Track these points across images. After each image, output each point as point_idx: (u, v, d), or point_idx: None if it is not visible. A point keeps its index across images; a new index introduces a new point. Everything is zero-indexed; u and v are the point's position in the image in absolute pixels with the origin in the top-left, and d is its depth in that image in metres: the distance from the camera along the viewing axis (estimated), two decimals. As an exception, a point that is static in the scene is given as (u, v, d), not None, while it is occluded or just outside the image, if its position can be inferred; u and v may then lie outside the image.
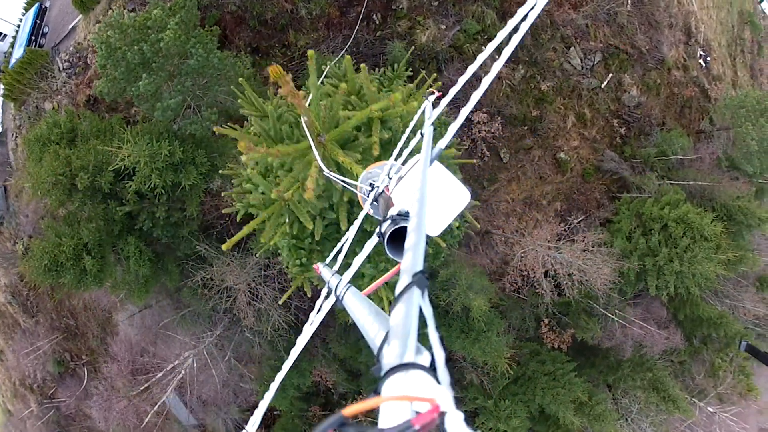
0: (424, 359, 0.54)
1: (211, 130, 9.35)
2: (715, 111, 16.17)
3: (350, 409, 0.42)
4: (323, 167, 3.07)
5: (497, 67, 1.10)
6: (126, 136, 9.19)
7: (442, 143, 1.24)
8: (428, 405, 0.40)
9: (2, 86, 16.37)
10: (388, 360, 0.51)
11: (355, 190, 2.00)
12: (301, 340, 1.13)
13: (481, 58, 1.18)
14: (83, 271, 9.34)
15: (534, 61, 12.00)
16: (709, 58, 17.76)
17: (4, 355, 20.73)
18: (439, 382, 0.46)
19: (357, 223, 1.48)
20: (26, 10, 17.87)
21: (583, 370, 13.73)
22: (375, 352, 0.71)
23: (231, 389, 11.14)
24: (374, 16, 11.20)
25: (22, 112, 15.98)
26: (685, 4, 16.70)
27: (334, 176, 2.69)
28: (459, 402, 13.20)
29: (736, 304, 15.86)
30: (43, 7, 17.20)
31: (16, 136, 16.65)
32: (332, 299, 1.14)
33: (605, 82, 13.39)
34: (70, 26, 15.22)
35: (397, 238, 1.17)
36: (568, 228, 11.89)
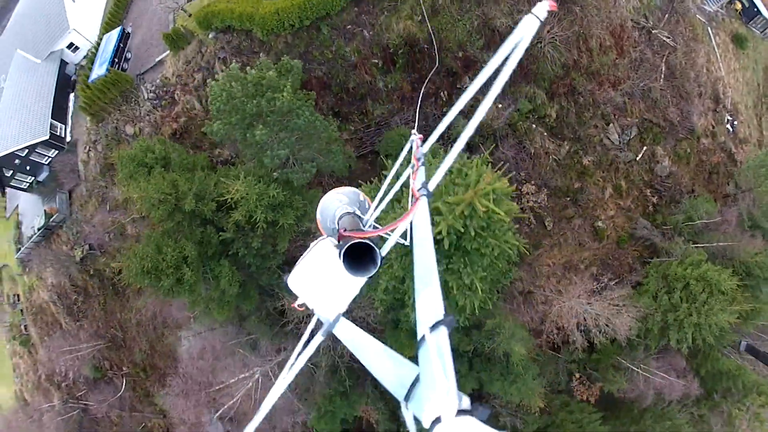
0: (464, 403, 0.58)
1: (308, 180, 11.70)
2: (739, 174, 18.03)
3: None
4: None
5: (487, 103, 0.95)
6: (236, 173, 11.24)
7: (433, 182, 1.21)
8: None
9: (80, 99, 18.73)
10: (431, 412, 0.57)
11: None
12: (292, 372, 1.13)
13: (462, 102, 1.03)
14: (179, 281, 11.13)
15: (578, 137, 14.46)
16: (735, 122, 19.93)
17: (35, 349, 22.44)
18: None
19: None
20: (106, 30, 20.66)
21: (608, 421, 15.45)
22: (397, 394, 0.75)
23: (285, 411, 12.96)
24: (441, 93, 13.79)
25: (100, 128, 18.54)
26: (714, 71, 18.97)
27: None
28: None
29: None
30: (126, 32, 20.05)
31: (90, 150, 19.17)
32: (324, 332, 1.16)
33: (640, 155, 15.74)
34: (157, 59, 17.93)
35: (355, 253, 1.20)
36: (600, 286, 14.00)
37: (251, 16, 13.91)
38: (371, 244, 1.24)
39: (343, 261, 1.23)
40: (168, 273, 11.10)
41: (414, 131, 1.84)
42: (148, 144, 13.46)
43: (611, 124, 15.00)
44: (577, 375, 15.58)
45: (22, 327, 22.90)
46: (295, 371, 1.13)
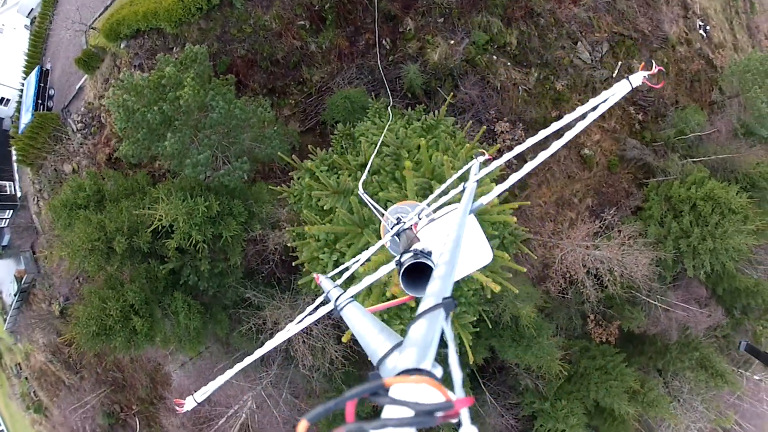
0: (437, 372, 0.54)
1: (243, 179, 9.43)
2: (723, 80, 16.13)
3: (392, 380, 0.46)
4: (360, 188, 3.40)
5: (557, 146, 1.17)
6: (159, 195, 9.27)
7: (485, 199, 1.30)
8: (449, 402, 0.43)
9: (15, 152, 16.51)
10: (402, 363, 0.52)
11: (381, 218, 2.18)
12: (282, 336, 1.19)
13: (543, 134, 1.24)
14: (133, 332, 9.41)
15: (545, 62, 12.00)
16: (708, 27, 17.69)
17: (49, 411, 20.97)
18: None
19: (373, 249, 1.59)
20: (26, 74, 18.01)
21: (632, 359, 13.72)
22: (375, 359, 0.73)
23: (291, 424, 11.31)
24: (384, 41, 11.26)
25: (41, 175, 16.15)
26: (677, -23, 16.63)
27: (368, 199, 2.95)
28: (516, 407, 13.41)
29: (771, 268, 15.78)
30: (44, 69, 17.33)
31: (38, 200, 16.84)
32: (329, 308, 1.20)
33: (615, 71, 13.36)
34: (77, 86, 15.36)
35: (411, 272, 1.22)
36: (603, 225, 11.92)
37: (155, 13, 11.41)
38: (432, 265, 1.19)
39: (402, 278, 1.21)
40: (116, 329, 9.09)
41: (482, 151, 1.86)
42: (78, 182, 11.13)
43: (579, 43, 12.51)
44: (591, 316, 13.60)
45: (32, 394, 21.22)
46: (302, 326, 1.26)
